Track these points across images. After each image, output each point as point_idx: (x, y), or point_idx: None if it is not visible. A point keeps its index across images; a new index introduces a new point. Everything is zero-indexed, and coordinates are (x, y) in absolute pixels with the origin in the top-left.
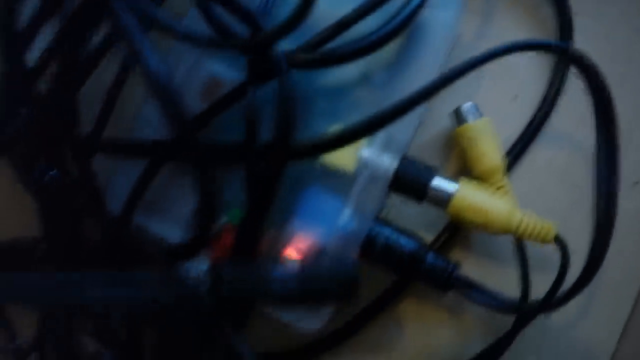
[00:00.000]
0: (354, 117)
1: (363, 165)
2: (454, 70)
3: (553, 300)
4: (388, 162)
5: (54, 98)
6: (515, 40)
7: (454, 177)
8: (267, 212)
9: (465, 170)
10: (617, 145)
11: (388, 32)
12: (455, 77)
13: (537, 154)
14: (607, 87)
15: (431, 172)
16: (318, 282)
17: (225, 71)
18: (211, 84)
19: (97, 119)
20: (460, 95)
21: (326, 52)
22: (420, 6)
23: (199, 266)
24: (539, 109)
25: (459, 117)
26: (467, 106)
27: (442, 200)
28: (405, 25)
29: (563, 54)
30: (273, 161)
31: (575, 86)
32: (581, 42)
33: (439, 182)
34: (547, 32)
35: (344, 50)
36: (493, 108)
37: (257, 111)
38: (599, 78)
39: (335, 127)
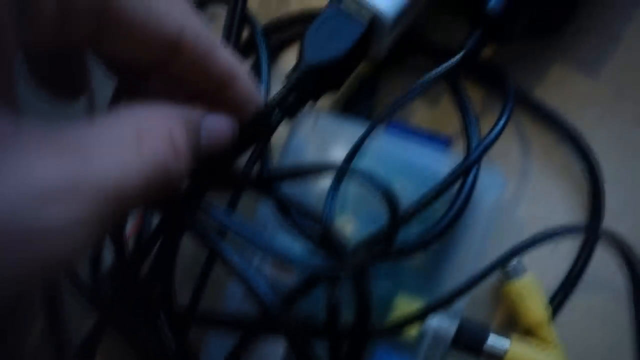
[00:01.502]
0: (412, 279)
1: (427, 328)
2: (502, 258)
3: None
4: (448, 325)
5: (152, 278)
6: (550, 229)
7: (503, 327)
8: None
9: (513, 321)
10: None
11: (447, 225)
12: (502, 263)
13: (578, 300)
14: (637, 259)
15: (486, 332)
16: None
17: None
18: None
19: (192, 295)
20: (505, 247)
21: (396, 250)
22: (466, 204)
23: None
24: (577, 259)
25: (505, 274)
26: (513, 264)
27: (497, 356)
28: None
29: (595, 236)
30: (354, 341)
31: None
32: (609, 189)
33: (494, 341)
34: (579, 186)
35: (408, 247)
36: (535, 259)
37: (339, 303)
38: (630, 253)
39: (402, 302)
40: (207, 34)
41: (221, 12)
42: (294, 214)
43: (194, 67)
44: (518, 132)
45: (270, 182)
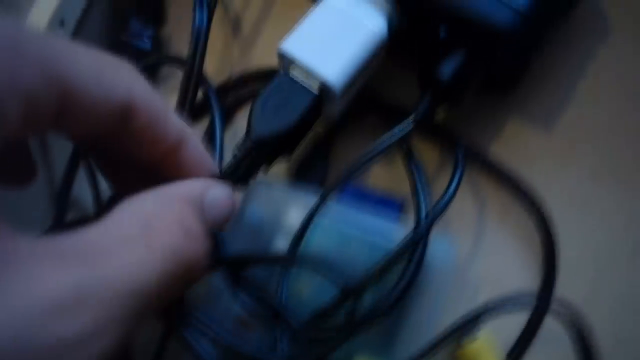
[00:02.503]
0: (367, 345)
1: None
2: (454, 328)
3: None
4: None
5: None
6: (502, 297)
7: None
8: None
9: None
10: None
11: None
12: (454, 332)
13: (535, 355)
14: (586, 331)
15: None
16: None
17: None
18: (242, 320)
19: None
20: (460, 305)
21: (347, 328)
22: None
23: None
24: (531, 319)
25: (460, 335)
26: None
27: None
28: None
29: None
30: None
31: None
32: (564, 243)
33: None
34: (534, 243)
35: (359, 321)
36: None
37: None
38: (579, 322)
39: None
40: (155, 98)
41: (175, 72)
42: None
43: (144, 131)
44: (472, 190)
45: (224, 263)
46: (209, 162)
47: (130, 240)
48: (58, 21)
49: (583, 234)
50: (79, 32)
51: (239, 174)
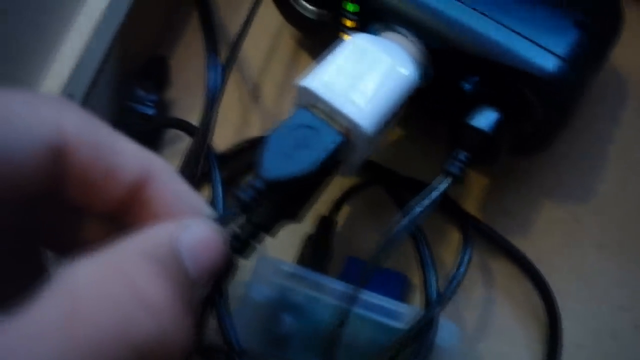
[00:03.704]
0: None
1: None
2: None
3: None
4: None
5: None
6: None
7: None
8: None
9: None
10: None
11: None
12: None
13: None
14: None
15: None
16: None
17: None
18: None
19: None
20: None
21: None
22: None
23: None
24: None
25: None
26: None
27: None
28: None
29: None
30: None
31: None
32: (569, 317)
33: None
34: (538, 319)
35: None
36: None
37: None
38: None
39: None
40: (95, 129)
41: (180, 136)
42: None
43: (89, 172)
44: (480, 265)
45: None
46: (192, 198)
47: (47, 331)
48: (66, 95)
49: (587, 306)
50: (86, 102)
51: (239, 242)
